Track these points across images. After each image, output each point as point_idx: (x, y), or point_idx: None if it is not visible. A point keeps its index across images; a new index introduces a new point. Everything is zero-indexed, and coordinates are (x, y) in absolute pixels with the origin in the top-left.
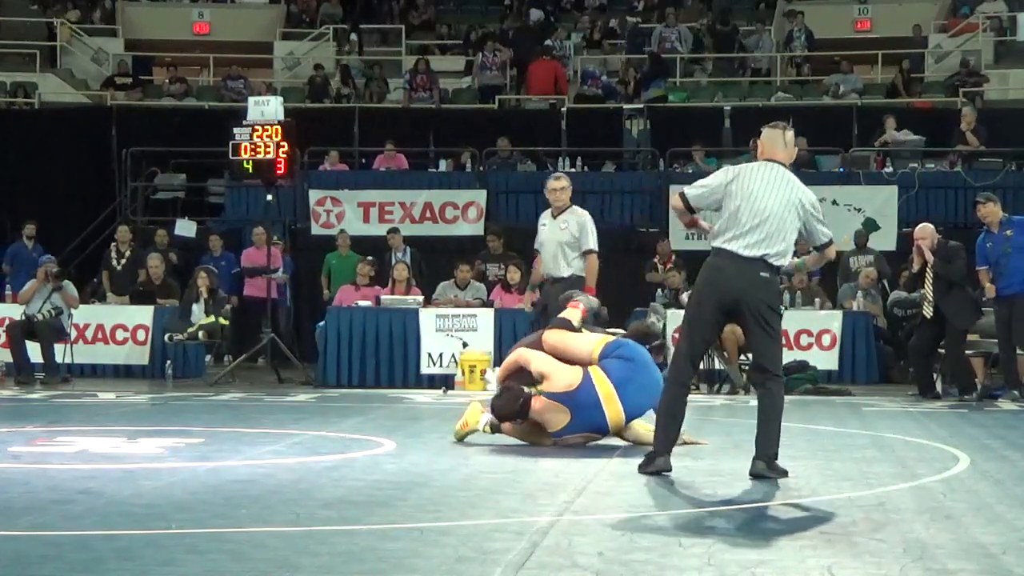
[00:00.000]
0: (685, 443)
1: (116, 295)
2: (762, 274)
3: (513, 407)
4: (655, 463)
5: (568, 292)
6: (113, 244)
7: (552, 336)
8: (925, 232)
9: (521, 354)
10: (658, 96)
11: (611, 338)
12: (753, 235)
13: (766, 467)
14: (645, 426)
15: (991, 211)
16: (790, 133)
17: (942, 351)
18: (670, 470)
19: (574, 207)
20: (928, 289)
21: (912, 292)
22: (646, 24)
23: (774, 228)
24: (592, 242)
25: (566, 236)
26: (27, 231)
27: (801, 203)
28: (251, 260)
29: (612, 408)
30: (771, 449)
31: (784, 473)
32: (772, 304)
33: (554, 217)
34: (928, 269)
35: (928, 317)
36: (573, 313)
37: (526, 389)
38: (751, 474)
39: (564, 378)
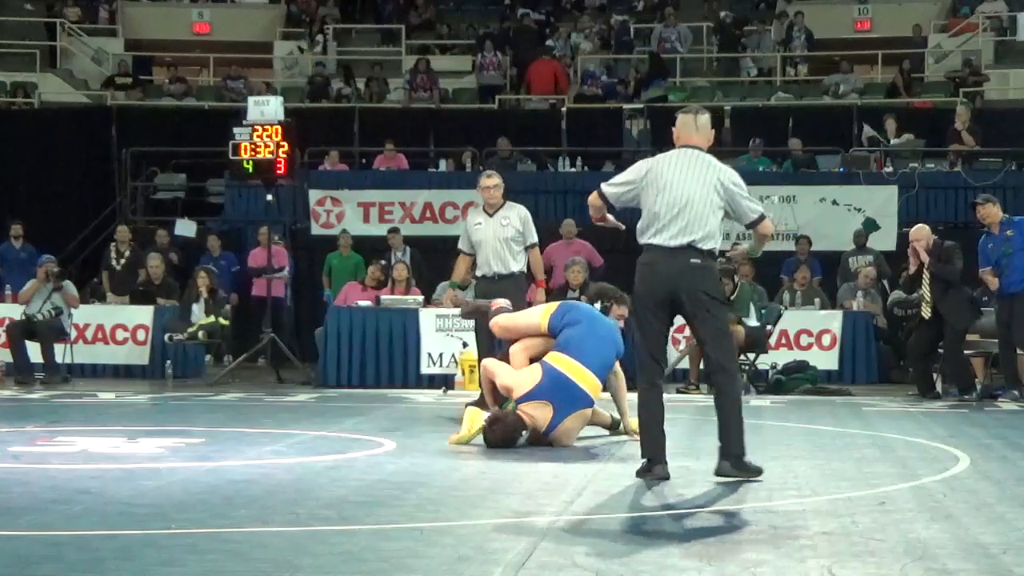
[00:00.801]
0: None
1: (116, 295)
2: (692, 260)
3: (511, 433)
4: (653, 471)
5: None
6: (113, 244)
7: (501, 320)
8: (920, 233)
9: (485, 367)
10: (658, 96)
11: (555, 305)
12: (675, 225)
13: (731, 467)
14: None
15: (990, 212)
16: (703, 116)
17: (942, 351)
18: (668, 478)
19: (509, 203)
20: (925, 290)
21: (911, 293)
22: (645, 24)
23: (694, 214)
24: (535, 235)
25: (510, 232)
26: (13, 231)
27: (720, 183)
28: (257, 260)
29: (584, 379)
30: (736, 447)
31: (757, 471)
32: (710, 290)
33: (490, 215)
34: (925, 270)
35: (927, 318)
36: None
37: (510, 413)
38: (717, 474)
39: (527, 379)
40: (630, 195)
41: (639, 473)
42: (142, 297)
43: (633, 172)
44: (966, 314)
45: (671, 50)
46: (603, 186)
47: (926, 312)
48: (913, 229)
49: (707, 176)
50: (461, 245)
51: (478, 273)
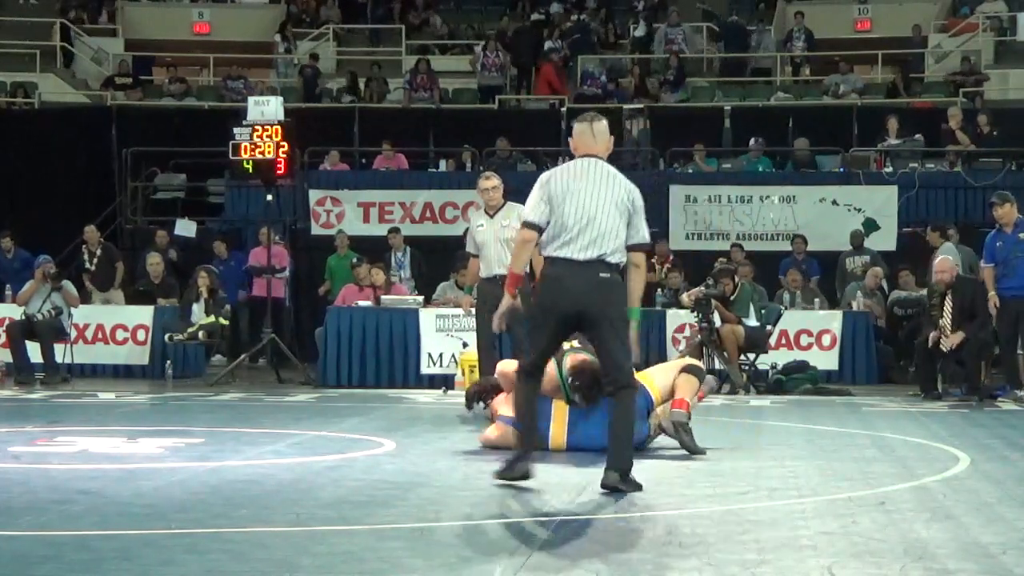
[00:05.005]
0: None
1: (100, 291)
2: (601, 274)
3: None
4: (515, 469)
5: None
6: (84, 246)
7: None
8: (945, 265)
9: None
10: (683, 99)
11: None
12: (584, 236)
13: (619, 479)
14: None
15: (1008, 212)
16: (600, 123)
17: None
18: (529, 476)
19: (509, 203)
20: (947, 319)
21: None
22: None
23: (605, 226)
24: None
25: (511, 232)
26: (4, 244)
27: (629, 196)
28: (259, 259)
29: (557, 428)
30: (623, 461)
31: (639, 487)
32: (618, 305)
33: (491, 216)
34: (948, 299)
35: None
36: None
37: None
38: (603, 485)
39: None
40: (550, 211)
41: (501, 473)
42: (142, 297)
43: (540, 189)
44: (981, 348)
45: (677, 51)
46: (529, 219)
47: (946, 345)
48: (938, 261)
49: (615, 188)
50: (469, 248)
51: (481, 275)
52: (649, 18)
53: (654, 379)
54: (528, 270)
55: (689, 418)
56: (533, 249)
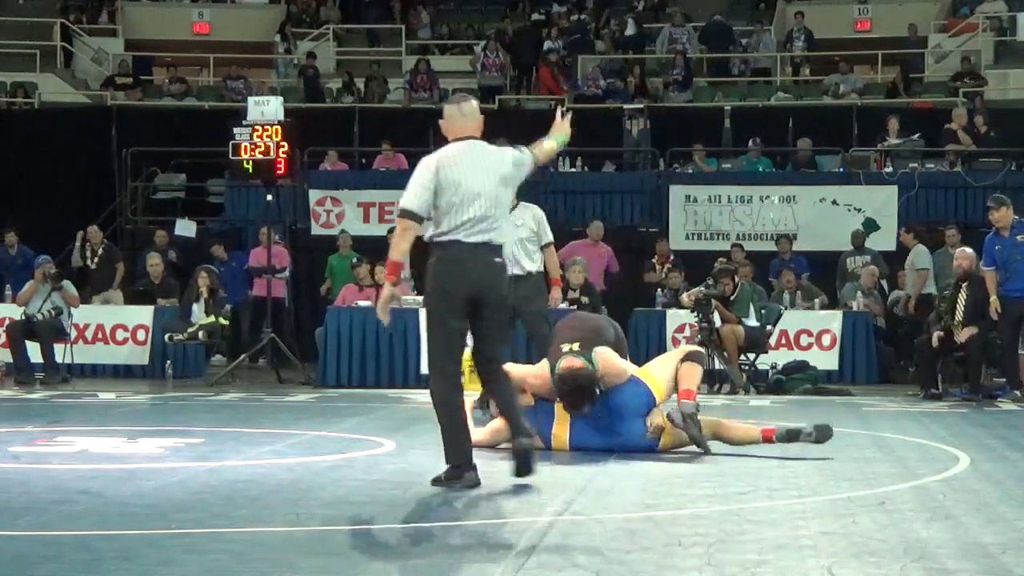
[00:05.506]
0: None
1: (97, 292)
2: (495, 259)
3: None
4: (464, 479)
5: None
6: (88, 244)
7: (517, 372)
8: (964, 254)
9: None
10: (689, 99)
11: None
12: (479, 223)
13: (531, 441)
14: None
15: (1004, 215)
16: (468, 104)
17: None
18: (480, 485)
19: (522, 203)
20: (959, 311)
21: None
22: (646, 24)
23: (496, 209)
24: (550, 234)
25: (524, 232)
26: (8, 240)
27: (512, 162)
28: (259, 259)
29: (560, 428)
30: (524, 425)
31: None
32: (505, 291)
33: None
34: (963, 292)
35: (946, 331)
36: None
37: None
38: (515, 451)
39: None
40: (431, 199)
41: (444, 482)
42: (142, 297)
43: (423, 175)
44: (986, 353)
45: (681, 50)
46: (410, 208)
47: (958, 336)
48: (957, 251)
49: (496, 167)
50: None
51: None
52: (640, 19)
53: (655, 375)
54: (541, 270)
55: (698, 408)
56: (553, 254)
